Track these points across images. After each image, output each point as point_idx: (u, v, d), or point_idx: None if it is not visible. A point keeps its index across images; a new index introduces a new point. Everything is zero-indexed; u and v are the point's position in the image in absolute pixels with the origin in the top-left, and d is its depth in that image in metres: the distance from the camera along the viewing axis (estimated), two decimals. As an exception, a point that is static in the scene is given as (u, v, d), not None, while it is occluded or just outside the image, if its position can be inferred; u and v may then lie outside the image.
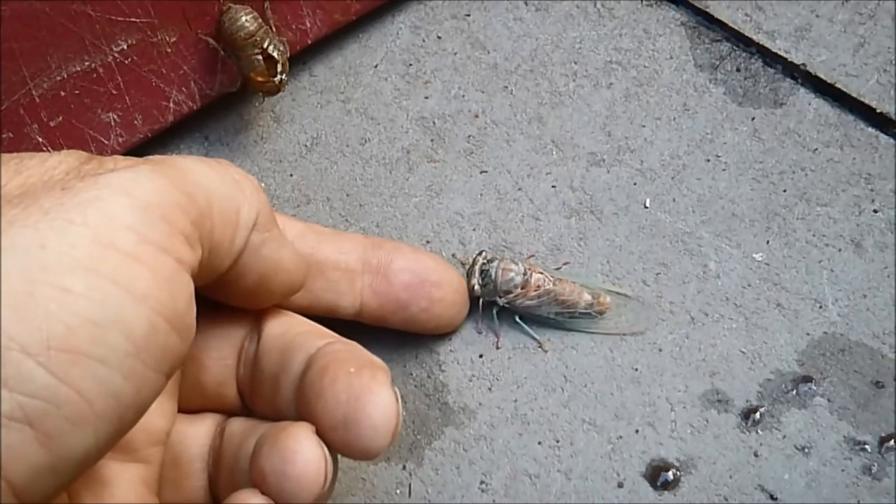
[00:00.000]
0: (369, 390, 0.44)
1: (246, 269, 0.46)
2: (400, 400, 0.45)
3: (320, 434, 0.44)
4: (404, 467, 0.55)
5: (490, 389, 0.57)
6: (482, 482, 0.55)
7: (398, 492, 0.55)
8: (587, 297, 0.57)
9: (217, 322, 0.51)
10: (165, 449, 0.49)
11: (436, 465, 0.55)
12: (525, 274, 0.56)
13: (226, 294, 0.48)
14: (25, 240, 0.35)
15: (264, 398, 0.49)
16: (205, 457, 0.50)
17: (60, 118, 0.59)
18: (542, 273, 0.57)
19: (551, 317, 0.57)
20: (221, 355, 0.51)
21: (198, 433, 0.50)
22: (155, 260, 0.38)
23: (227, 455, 0.48)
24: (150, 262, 0.37)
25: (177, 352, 0.39)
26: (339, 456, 0.45)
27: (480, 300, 0.57)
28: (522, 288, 0.56)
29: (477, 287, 0.56)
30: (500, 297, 0.57)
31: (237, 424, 0.49)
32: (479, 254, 0.57)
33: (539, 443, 0.56)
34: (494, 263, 0.56)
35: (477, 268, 0.56)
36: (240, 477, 0.46)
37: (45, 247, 0.35)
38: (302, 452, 0.43)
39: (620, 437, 0.55)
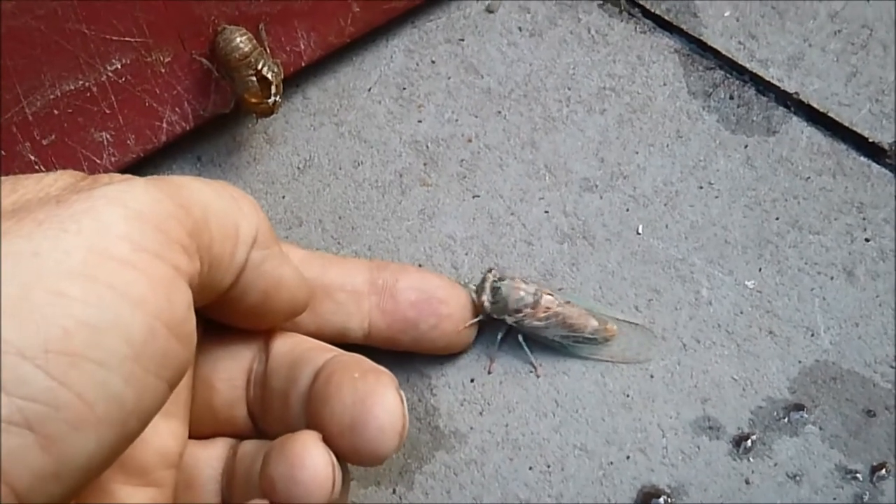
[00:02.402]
0: (374, 393, 0.45)
1: (248, 287, 0.46)
2: (406, 403, 0.45)
3: (328, 441, 0.44)
4: (394, 491, 0.55)
5: (481, 414, 0.57)
6: (472, 507, 0.55)
7: (388, 516, 0.55)
8: (594, 322, 0.57)
9: (225, 345, 0.51)
10: (178, 473, 0.49)
11: (426, 489, 0.55)
12: (535, 294, 0.56)
13: (231, 314, 0.48)
14: (19, 248, 0.36)
15: (274, 416, 0.49)
16: (218, 480, 0.50)
17: (53, 137, 0.58)
18: (551, 295, 0.57)
19: (556, 340, 0.57)
20: (231, 377, 0.51)
21: (210, 456, 0.50)
22: (150, 266, 0.38)
23: (240, 476, 0.49)
24: (146, 268, 0.38)
25: (178, 359, 0.39)
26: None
27: (486, 317, 0.57)
28: (532, 308, 0.56)
29: (487, 304, 0.56)
30: (510, 316, 0.56)
31: (249, 446, 0.50)
32: (489, 271, 0.57)
33: (530, 468, 0.55)
34: (505, 281, 0.56)
35: (487, 284, 0.56)
36: (253, 496, 0.46)
37: (39, 254, 0.36)
38: (309, 458, 0.43)
39: (612, 462, 0.55)
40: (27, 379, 0.34)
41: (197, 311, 0.41)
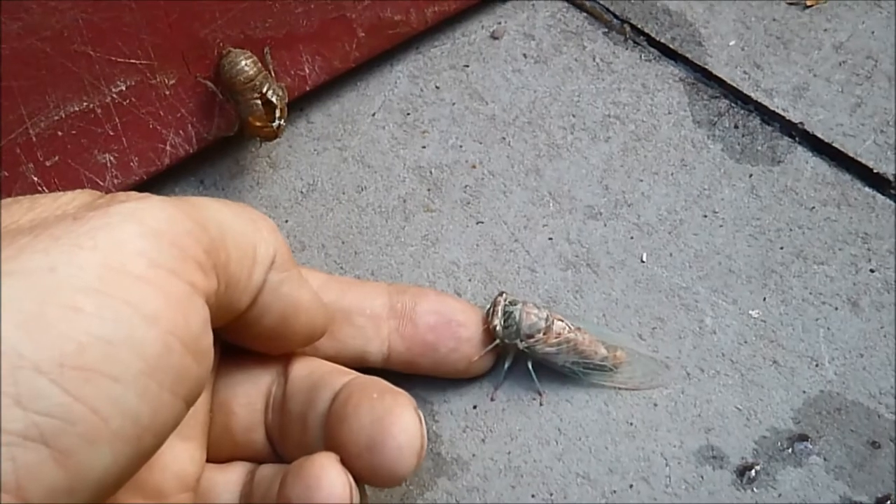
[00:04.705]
0: (392, 413, 0.45)
1: (266, 310, 0.46)
2: (424, 422, 0.46)
3: (346, 463, 0.44)
4: (395, 518, 0.55)
5: (483, 441, 0.56)
6: (474, 535, 0.54)
7: (388, 543, 0.55)
8: (603, 350, 0.57)
9: (244, 368, 0.51)
10: (196, 496, 0.49)
11: (427, 516, 0.55)
12: (547, 320, 0.56)
13: (249, 338, 0.48)
14: (35, 263, 0.36)
15: (293, 440, 0.49)
16: None
17: (57, 158, 0.58)
18: (562, 320, 0.56)
19: (567, 366, 0.57)
20: (250, 401, 0.51)
21: (228, 481, 0.50)
22: (166, 283, 0.38)
23: (258, 500, 0.48)
24: (161, 284, 0.38)
25: (194, 375, 0.39)
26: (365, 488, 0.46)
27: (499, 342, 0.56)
28: (544, 334, 0.56)
29: (499, 328, 0.55)
30: (522, 341, 0.56)
31: (267, 470, 0.49)
32: (500, 295, 0.56)
33: (532, 496, 0.55)
34: (518, 306, 0.55)
35: (500, 308, 0.55)
36: None
37: (55, 270, 0.36)
38: (327, 479, 0.43)
39: (614, 491, 0.55)
40: (42, 393, 0.34)
41: (216, 335, 0.41)
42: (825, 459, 0.55)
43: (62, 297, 0.35)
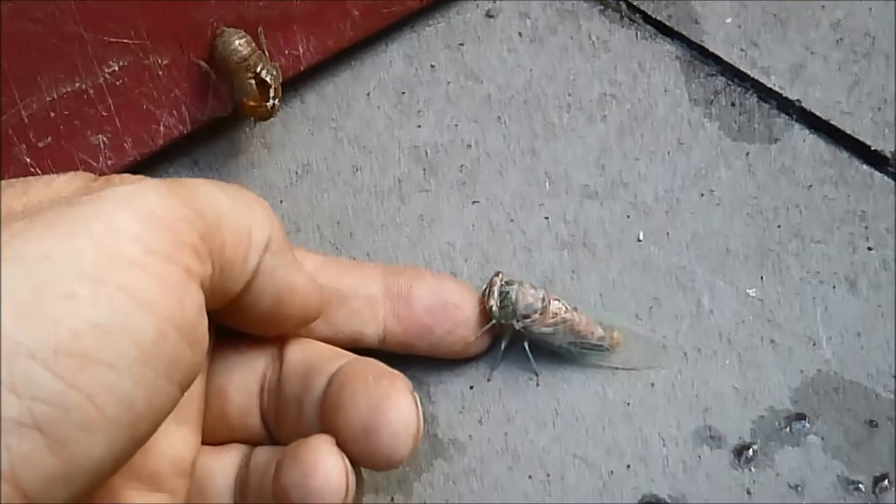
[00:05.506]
0: (388, 397, 0.45)
1: (261, 293, 0.46)
2: (420, 406, 0.45)
3: (343, 447, 0.44)
4: (392, 500, 0.55)
5: (480, 422, 0.56)
6: (471, 516, 0.54)
7: (385, 525, 0.55)
8: (599, 330, 0.57)
9: (239, 352, 0.51)
10: (192, 481, 0.49)
11: (425, 498, 0.55)
12: (544, 300, 0.55)
13: (244, 321, 0.48)
14: (29, 250, 0.35)
15: (289, 424, 0.49)
16: (231, 488, 0.50)
17: (49, 139, 0.58)
18: (558, 300, 0.56)
19: (564, 346, 0.56)
20: (245, 385, 0.51)
21: (224, 465, 0.50)
22: (161, 269, 0.38)
23: (253, 484, 0.48)
24: (156, 271, 0.37)
25: (189, 362, 0.39)
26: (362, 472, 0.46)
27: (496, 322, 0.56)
28: (541, 314, 0.55)
29: (495, 309, 0.55)
30: (518, 322, 0.55)
31: (262, 454, 0.49)
32: (496, 275, 0.56)
33: (529, 477, 0.55)
34: (514, 286, 0.55)
35: (496, 289, 0.55)
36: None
37: (50, 257, 0.35)
38: (322, 464, 0.43)
39: (612, 472, 0.55)
40: (37, 381, 0.34)
41: (210, 318, 0.41)
42: (823, 439, 0.55)
43: (57, 284, 0.35)
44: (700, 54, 0.67)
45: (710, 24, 0.68)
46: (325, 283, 0.51)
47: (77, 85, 0.58)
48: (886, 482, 0.54)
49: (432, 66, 0.67)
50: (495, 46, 0.68)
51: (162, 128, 0.61)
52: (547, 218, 0.62)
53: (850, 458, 0.54)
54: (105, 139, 0.59)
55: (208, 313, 0.41)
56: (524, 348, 0.56)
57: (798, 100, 0.64)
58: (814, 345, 0.57)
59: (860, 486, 0.54)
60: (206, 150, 0.65)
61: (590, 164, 0.63)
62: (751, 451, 0.55)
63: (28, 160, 0.57)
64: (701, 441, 0.55)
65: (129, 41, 0.58)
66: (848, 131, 0.63)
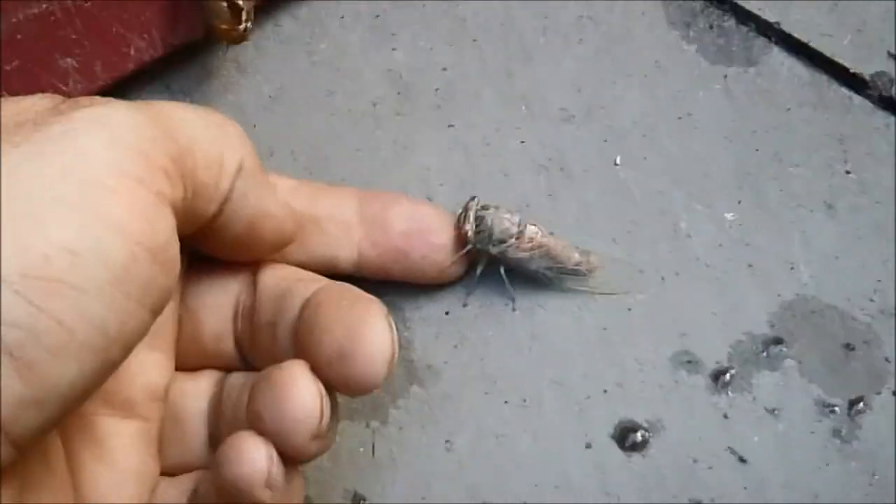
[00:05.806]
0: (363, 321, 0.44)
1: (233, 217, 0.45)
2: (395, 331, 0.45)
3: (317, 372, 0.44)
4: (368, 425, 0.55)
5: (456, 347, 0.56)
6: (447, 441, 0.54)
7: (361, 450, 0.54)
8: (576, 255, 0.56)
9: (212, 277, 0.51)
10: (165, 406, 0.49)
11: (400, 423, 0.55)
12: (520, 225, 0.55)
13: (217, 246, 0.48)
14: None
15: (262, 349, 0.49)
16: (205, 414, 0.50)
17: (17, 62, 0.57)
18: (535, 225, 0.56)
19: (540, 271, 0.56)
20: (218, 310, 0.50)
21: (198, 390, 0.50)
22: (131, 191, 0.37)
23: (227, 409, 0.48)
24: (127, 193, 0.37)
25: (160, 285, 0.38)
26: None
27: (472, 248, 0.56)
28: (517, 238, 0.55)
29: (471, 233, 0.54)
30: (493, 247, 0.55)
31: (236, 379, 0.49)
32: (472, 199, 0.55)
33: (505, 402, 0.55)
34: (490, 211, 0.55)
35: (471, 213, 0.55)
36: (240, 429, 0.46)
37: (17, 180, 0.35)
38: (297, 389, 0.43)
39: (588, 397, 0.55)
40: (6, 305, 0.33)
41: (183, 243, 0.41)
42: (800, 363, 0.55)
43: (25, 207, 0.35)
44: (678, -24, 0.66)
45: (689, -55, 0.67)
46: (299, 208, 0.51)
47: (44, 6, 0.57)
48: (862, 405, 0.54)
49: (407, -12, 0.67)
50: (471, -32, 0.67)
51: (133, 51, 0.60)
52: (523, 142, 0.61)
53: (826, 381, 0.55)
54: (74, 62, 0.58)
55: (181, 238, 0.40)
56: (500, 273, 0.56)
57: (777, 22, 0.64)
58: (791, 268, 0.57)
59: (836, 408, 0.54)
60: (179, 74, 0.64)
61: (566, 87, 0.63)
62: (728, 375, 0.55)
63: (-5, 83, 0.57)
64: (678, 365, 0.55)
65: (98, -39, 0.57)
66: (827, 53, 0.63)
